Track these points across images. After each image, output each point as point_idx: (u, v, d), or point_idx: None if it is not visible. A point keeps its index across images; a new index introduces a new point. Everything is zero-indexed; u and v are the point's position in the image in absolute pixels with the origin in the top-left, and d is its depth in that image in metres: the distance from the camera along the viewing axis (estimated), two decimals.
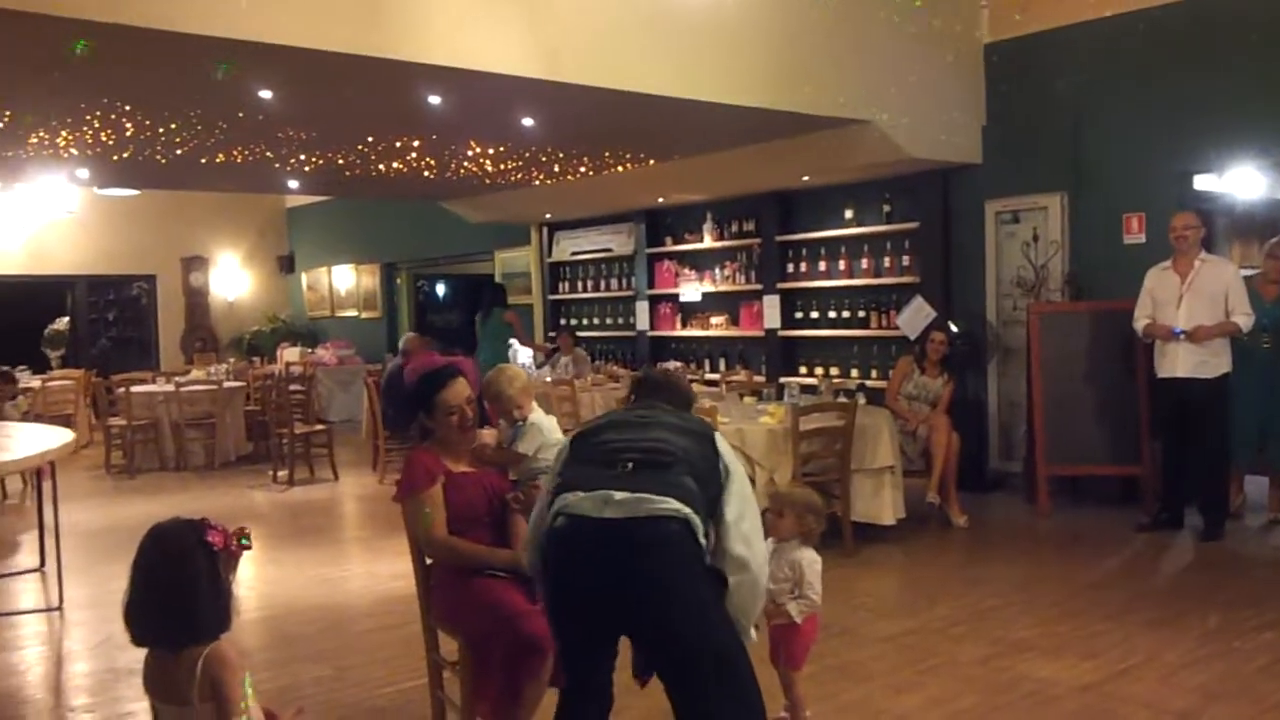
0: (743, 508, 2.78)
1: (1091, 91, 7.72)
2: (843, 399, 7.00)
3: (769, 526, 3.40)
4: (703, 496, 2.68)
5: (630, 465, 2.69)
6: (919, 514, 6.97)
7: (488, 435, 3.65)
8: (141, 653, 2.32)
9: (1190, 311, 6.37)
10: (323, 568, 6.44)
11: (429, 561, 3.49)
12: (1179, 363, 6.43)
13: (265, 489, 9.37)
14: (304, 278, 17.18)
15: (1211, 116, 7.15)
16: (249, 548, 2.36)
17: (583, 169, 9.36)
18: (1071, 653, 4.45)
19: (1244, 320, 6.29)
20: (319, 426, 10.06)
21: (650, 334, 11.52)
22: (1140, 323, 6.60)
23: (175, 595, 2.20)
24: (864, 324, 9.46)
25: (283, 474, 9.50)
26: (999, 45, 8.28)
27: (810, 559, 3.49)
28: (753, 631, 2.86)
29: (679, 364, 10.22)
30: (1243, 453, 6.81)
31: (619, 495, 2.61)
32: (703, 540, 2.65)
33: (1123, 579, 5.74)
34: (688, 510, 2.61)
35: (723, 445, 2.84)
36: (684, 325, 11.27)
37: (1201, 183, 7.92)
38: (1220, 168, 7.70)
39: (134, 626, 2.26)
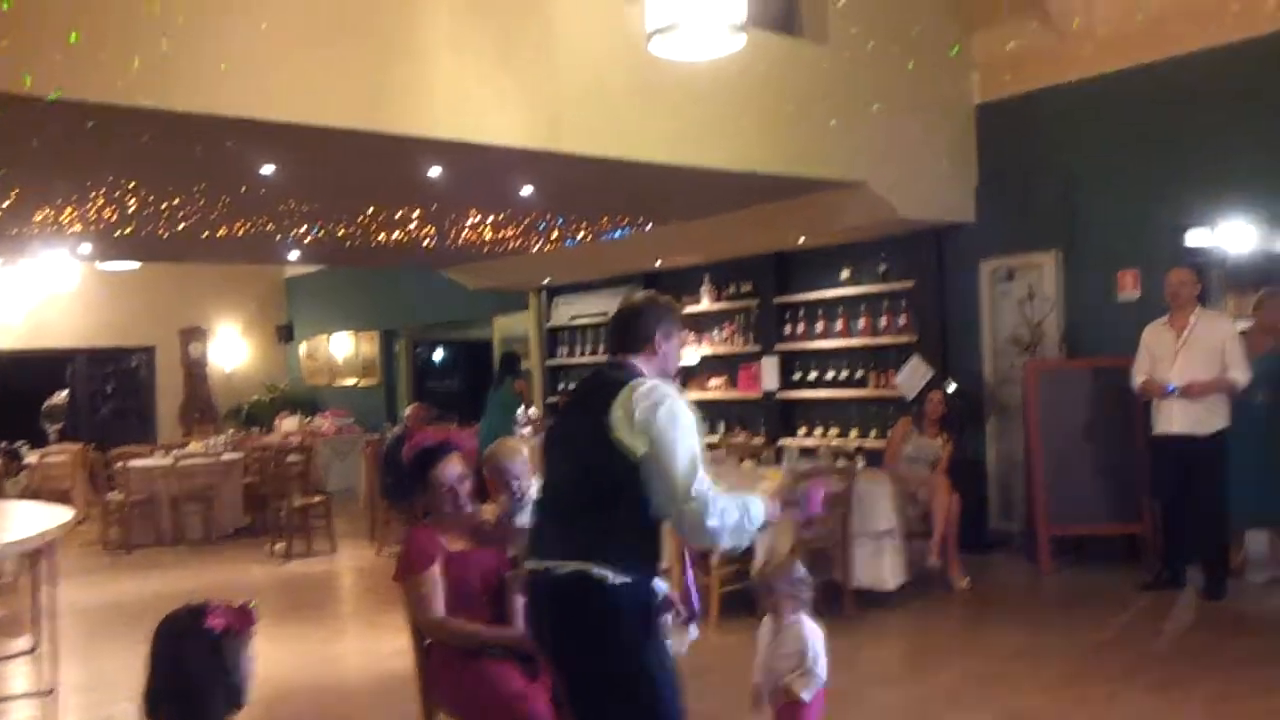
0: (668, 478, 2.64)
1: (1082, 149, 7.82)
2: (842, 462, 6.98)
3: (765, 609, 3.37)
4: (606, 524, 2.70)
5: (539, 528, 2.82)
6: (921, 577, 6.90)
7: (487, 511, 3.63)
8: None
9: (1186, 367, 6.38)
10: (321, 645, 6.36)
11: (428, 641, 3.46)
12: (1175, 419, 6.43)
13: (262, 563, 9.29)
14: (302, 346, 17.23)
15: (1202, 171, 7.23)
16: (253, 622, 2.37)
17: (581, 234, 9.43)
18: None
19: (1240, 376, 6.29)
20: (317, 498, 10.00)
21: None
22: (1137, 379, 6.60)
23: (180, 684, 2.25)
24: (862, 384, 9.46)
25: (280, 547, 9.43)
26: (990, 105, 8.39)
27: (814, 633, 3.43)
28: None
29: None
30: (1242, 508, 6.77)
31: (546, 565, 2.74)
32: (615, 582, 2.64)
33: (1127, 641, 5.68)
34: (580, 567, 2.65)
35: (624, 418, 2.65)
36: (683, 388, 11.24)
37: (1194, 237, 7.98)
38: (1212, 222, 7.77)
39: (149, 717, 2.29)
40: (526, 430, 9.96)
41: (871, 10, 7.54)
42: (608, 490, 2.68)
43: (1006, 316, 8.38)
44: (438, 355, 17.86)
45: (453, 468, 3.46)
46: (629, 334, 2.91)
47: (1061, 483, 7.48)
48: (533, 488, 3.68)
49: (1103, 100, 7.67)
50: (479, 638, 3.30)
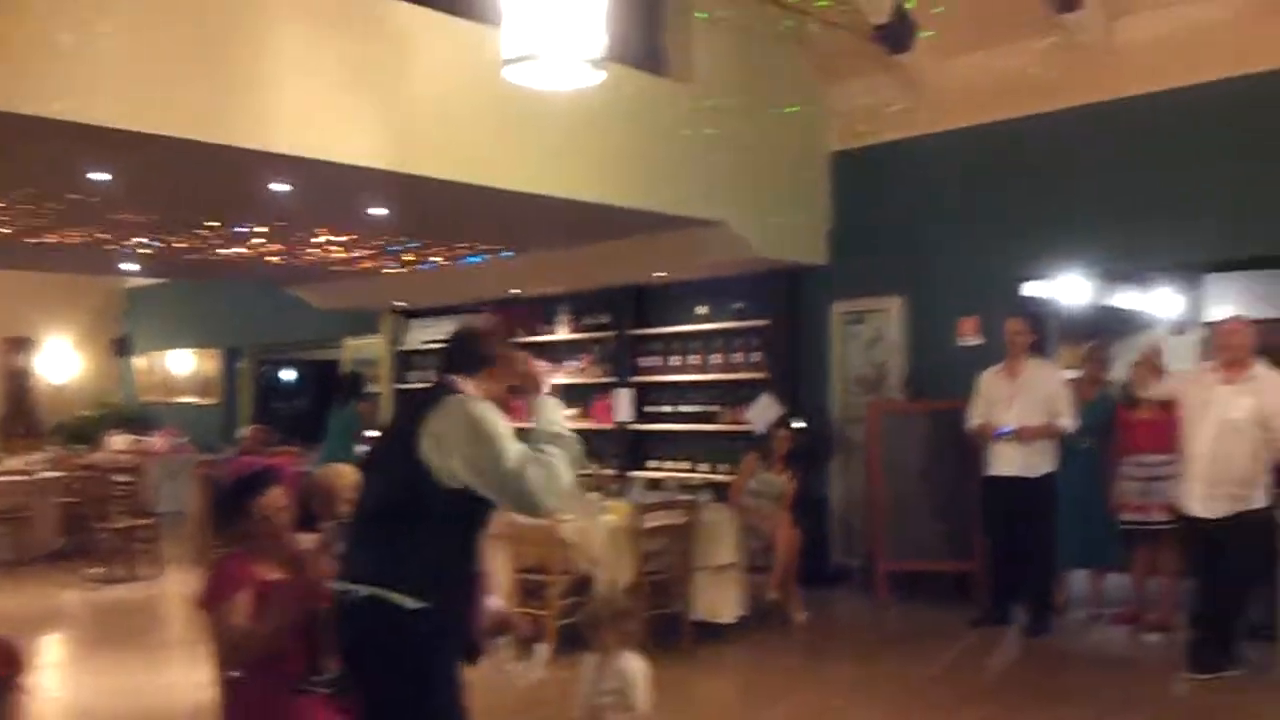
0: (475, 469, 2.70)
1: (929, 200, 8.10)
2: (686, 496, 7.00)
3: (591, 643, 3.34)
4: (405, 547, 2.69)
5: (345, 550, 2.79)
6: (760, 611, 6.96)
7: (306, 540, 3.47)
8: None
9: (1019, 413, 6.64)
10: (139, 675, 6.00)
11: (235, 674, 3.27)
12: (1007, 462, 6.68)
13: (79, 587, 8.74)
14: (140, 362, 16.44)
15: (1039, 227, 7.58)
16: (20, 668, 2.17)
17: (436, 258, 9.27)
18: None
19: (1068, 423, 6.58)
20: (144, 520, 9.49)
21: None
22: (973, 422, 6.84)
23: None
24: (715, 419, 9.55)
25: (99, 571, 8.90)
26: (845, 154, 8.63)
27: (637, 667, 3.41)
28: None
29: None
30: (1067, 549, 7.06)
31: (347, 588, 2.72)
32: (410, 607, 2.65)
33: (956, 675, 5.84)
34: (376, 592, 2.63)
35: (433, 430, 2.72)
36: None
37: (1031, 289, 8.37)
38: (1048, 274, 8.15)
39: None
40: None
41: (736, 55, 7.67)
42: (409, 512, 2.70)
43: (854, 358, 8.59)
44: (286, 375, 17.26)
45: (271, 498, 3.30)
46: (456, 356, 2.99)
47: (900, 520, 7.69)
48: None
49: (949, 155, 7.98)
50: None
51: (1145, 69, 7.02)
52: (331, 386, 11.09)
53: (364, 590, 2.68)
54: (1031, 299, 8.25)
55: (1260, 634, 6.06)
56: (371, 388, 12.48)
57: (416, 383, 12.34)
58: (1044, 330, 10.42)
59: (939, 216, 8.05)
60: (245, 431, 10.26)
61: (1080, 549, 7.08)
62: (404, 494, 2.70)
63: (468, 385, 2.88)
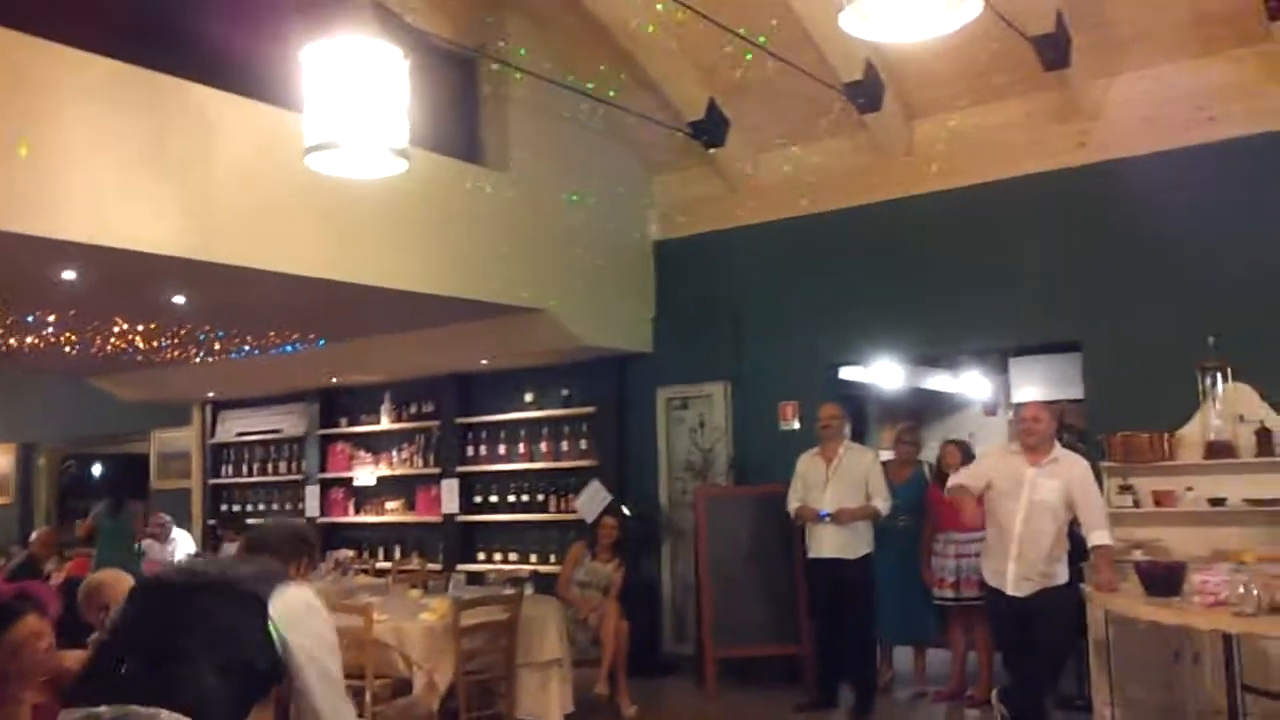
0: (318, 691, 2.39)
1: (749, 288, 8.29)
2: (509, 590, 6.81)
3: None
4: (230, 690, 2.21)
5: (127, 664, 2.20)
6: (588, 706, 6.79)
7: (71, 659, 3.18)
8: None
9: (836, 495, 6.76)
10: None
11: None
12: (826, 544, 6.77)
13: None
14: None
15: (852, 314, 7.84)
16: None
17: (246, 347, 8.90)
18: None
19: (882, 504, 6.74)
20: None
21: (321, 520, 10.89)
22: (792, 505, 6.92)
23: None
24: (543, 508, 9.40)
25: None
26: (667, 243, 8.78)
27: None
28: None
29: (352, 552, 9.68)
30: (888, 626, 7.19)
31: (106, 712, 2.13)
32: None
33: None
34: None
35: (279, 613, 2.34)
36: (358, 510, 10.76)
37: (849, 373, 8.63)
38: (863, 360, 8.43)
39: None
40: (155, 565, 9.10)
41: (555, 145, 7.73)
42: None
43: (681, 443, 8.63)
44: (92, 470, 16.19)
45: (21, 630, 3.02)
46: None
47: (728, 606, 7.67)
48: None
49: (766, 245, 8.22)
50: None
51: (943, 167, 7.42)
52: (104, 488, 10.26)
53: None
54: (848, 383, 8.50)
55: (1072, 705, 6.28)
56: (180, 484, 11.87)
57: (231, 477, 11.78)
58: (861, 413, 10.82)
59: (758, 304, 8.24)
60: (35, 535, 9.51)
61: (901, 626, 7.25)
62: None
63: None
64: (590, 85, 7.23)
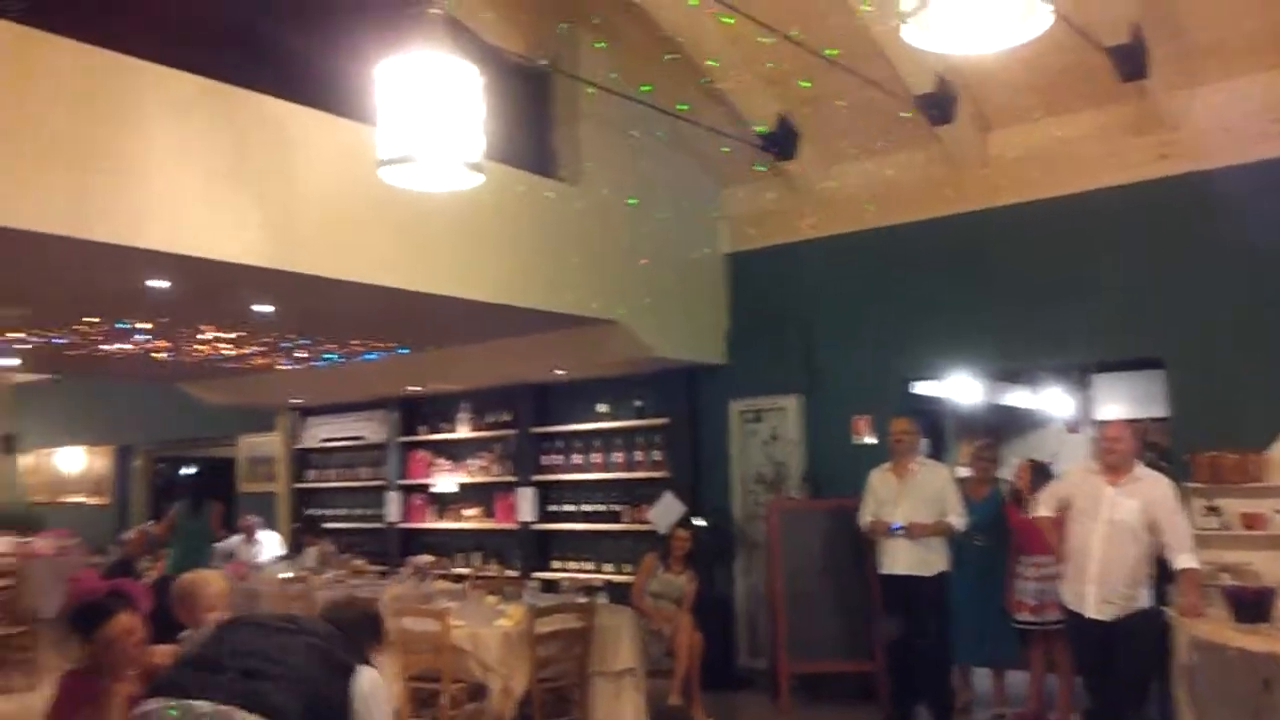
0: None
1: (821, 301, 8.25)
2: (583, 599, 6.86)
3: None
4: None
5: (235, 674, 2.48)
6: (663, 717, 6.81)
7: (161, 654, 3.33)
8: None
9: (909, 511, 6.66)
10: None
11: None
12: (900, 560, 6.68)
13: None
14: (27, 460, 15.84)
15: (928, 328, 7.74)
16: None
17: (330, 355, 9.12)
18: None
19: (957, 520, 6.63)
20: (19, 628, 8.99)
21: (401, 526, 11.11)
22: (864, 520, 6.85)
23: None
24: (616, 518, 9.46)
25: None
26: (739, 256, 8.78)
27: None
28: None
29: (431, 558, 9.83)
30: (966, 648, 7.07)
31: (201, 706, 2.38)
32: None
33: None
34: None
35: (362, 687, 2.67)
36: (438, 517, 10.94)
37: (924, 388, 8.52)
38: (939, 374, 8.31)
39: None
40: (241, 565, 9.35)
41: (626, 157, 7.80)
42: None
43: (754, 455, 8.61)
44: (183, 473, 16.74)
45: (115, 626, 3.19)
46: None
47: (802, 620, 7.62)
48: None
49: (838, 257, 8.17)
50: None
51: (1018, 179, 7.32)
52: (187, 489, 10.45)
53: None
54: (923, 398, 8.39)
55: None
56: (265, 487, 12.20)
57: (315, 482, 12.06)
58: (938, 429, 10.66)
59: (831, 317, 8.20)
60: (129, 534, 9.85)
61: (978, 647, 7.10)
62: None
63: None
64: (659, 98, 7.27)
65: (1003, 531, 6.96)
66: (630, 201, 7.74)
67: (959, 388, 9.85)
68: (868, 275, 8.04)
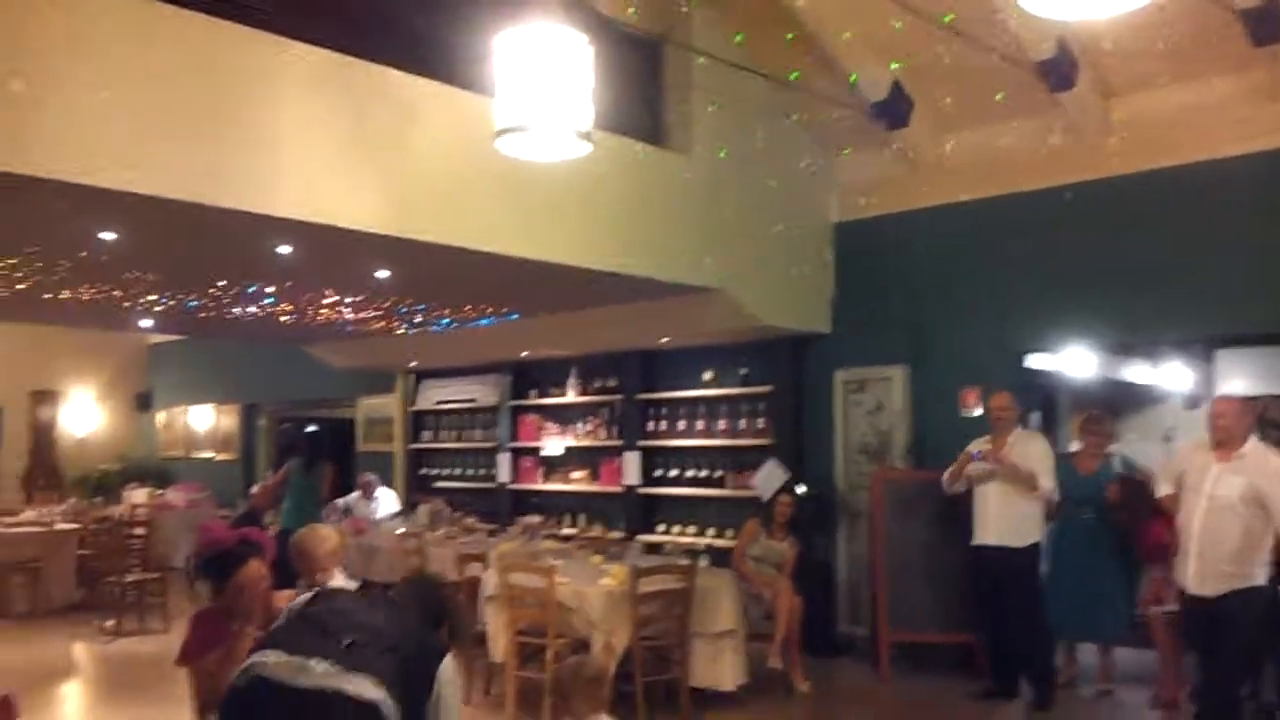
0: None
1: (930, 271, 8.16)
2: (685, 560, 7.00)
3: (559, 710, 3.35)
4: (403, 697, 2.60)
5: (349, 641, 2.57)
6: (762, 679, 6.92)
7: (283, 599, 3.55)
8: None
9: (1001, 485, 6.63)
10: None
11: None
12: (991, 530, 6.66)
13: (88, 640, 8.80)
14: (160, 416, 16.68)
15: (1042, 300, 7.62)
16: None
17: (445, 320, 9.40)
18: None
19: (1046, 482, 6.56)
20: (154, 574, 9.58)
21: (511, 487, 11.42)
22: (949, 473, 6.86)
23: None
24: (720, 484, 9.56)
25: (109, 624, 8.96)
26: (847, 224, 8.73)
27: None
28: None
29: (539, 518, 10.12)
30: (1072, 623, 6.98)
31: (317, 665, 2.49)
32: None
33: None
34: (385, 698, 2.51)
35: (446, 672, 2.78)
36: (546, 479, 11.21)
37: (1037, 361, 8.36)
38: (1053, 348, 8.16)
39: None
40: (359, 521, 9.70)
41: (735, 127, 7.80)
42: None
43: (858, 425, 8.60)
44: (307, 431, 17.39)
45: (247, 573, 3.41)
46: None
47: (903, 590, 7.63)
48: (338, 578, 3.61)
49: (950, 227, 8.06)
50: None
51: (1142, 147, 7.10)
52: (294, 447, 10.52)
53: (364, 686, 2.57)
54: (1036, 371, 8.24)
55: (1271, 714, 5.96)
56: (383, 447, 12.63)
57: (430, 443, 12.45)
58: (1052, 402, 10.44)
59: (941, 287, 8.10)
60: (255, 489, 10.35)
61: (1080, 622, 6.98)
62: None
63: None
64: (772, 67, 7.26)
65: (1112, 507, 6.81)
66: (720, 153, 7.67)
67: (1074, 361, 9.63)
68: (981, 245, 7.92)
